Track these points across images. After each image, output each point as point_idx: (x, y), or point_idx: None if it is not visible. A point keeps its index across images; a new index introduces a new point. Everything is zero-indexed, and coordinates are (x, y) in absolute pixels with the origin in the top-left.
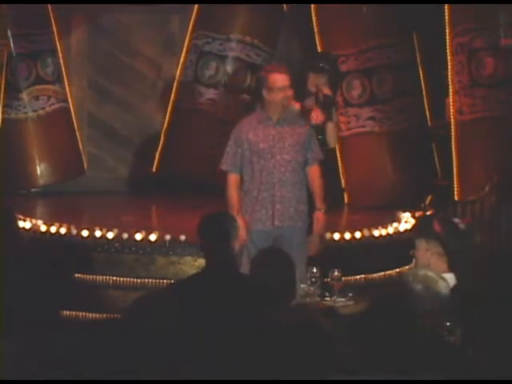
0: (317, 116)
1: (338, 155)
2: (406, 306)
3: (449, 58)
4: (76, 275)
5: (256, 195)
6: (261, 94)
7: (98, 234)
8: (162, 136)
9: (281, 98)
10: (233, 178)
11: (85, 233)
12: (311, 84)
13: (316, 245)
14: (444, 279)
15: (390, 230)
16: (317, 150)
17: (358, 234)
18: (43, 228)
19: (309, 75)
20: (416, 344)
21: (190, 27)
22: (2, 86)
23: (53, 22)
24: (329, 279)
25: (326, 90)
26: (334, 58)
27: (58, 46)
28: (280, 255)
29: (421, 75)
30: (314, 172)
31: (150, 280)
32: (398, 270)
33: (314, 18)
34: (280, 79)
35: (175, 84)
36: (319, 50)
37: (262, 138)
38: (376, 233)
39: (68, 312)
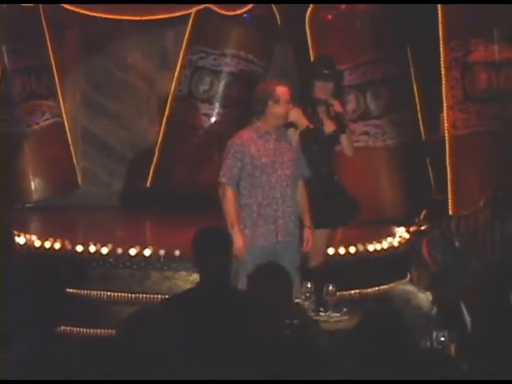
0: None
1: None
2: (391, 322)
3: (443, 72)
4: (70, 290)
5: (257, 210)
6: (261, 107)
7: (92, 249)
8: (157, 151)
9: (285, 111)
10: (232, 192)
11: (79, 248)
12: (319, 91)
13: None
14: (424, 293)
15: (385, 244)
16: (305, 166)
17: (352, 249)
18: (37, 243)
19: (315, 83)
20: (406, 357)
21: (185, 42)
22: None
23: (47, 37)
24: (323, 294)
25: (338, 107)
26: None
27: (53, 61)
28: (280, 270)
29: (415, 90)
30: (302, 188)
31: (145, 295)
32: (392, 284)
33: (308, 33)
34: (286, 92)
35: (169, 99)
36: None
37: (264, 152)
38: (371, 247)
39: (63, 327)
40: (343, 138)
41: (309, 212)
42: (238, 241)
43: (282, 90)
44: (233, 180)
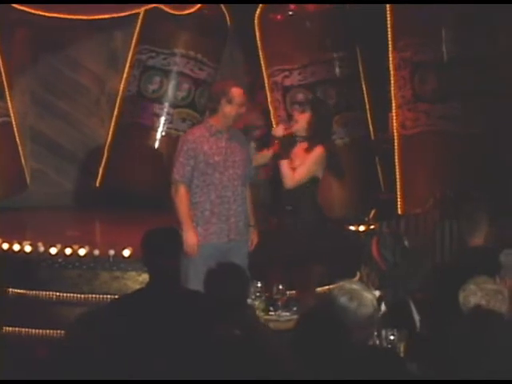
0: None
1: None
2: (333, 320)
3: (392, 72)
4: (18, 291)
5: (210, 208)
6: (213, 105)
7: (41, 249)
8: (106, 151)
9: (237, 112)
10: (184, 190)
11: (27, 248)
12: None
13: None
14: (370, 292)
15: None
16: (252, 167)
17: None
18: None
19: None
20: (347, 356)
21: (134, 42)
22: None
23: None
24: (273, 293)
25: (280, 130)
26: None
27: (0, 61)
28: (236, 269)
29: (364, 89)
30: (248, 189)
31: (94, 295)
32: (340, 283)
33: (257, 33)
34: (240, 94)
35: (119, 99)
36: (263, 65)
37: (216, 150)
38: None
39: (10, 328)
40: (283, 163)
41: (253, 211)
42: (191, 238)
43: (236, 92)
44: (186, 178)
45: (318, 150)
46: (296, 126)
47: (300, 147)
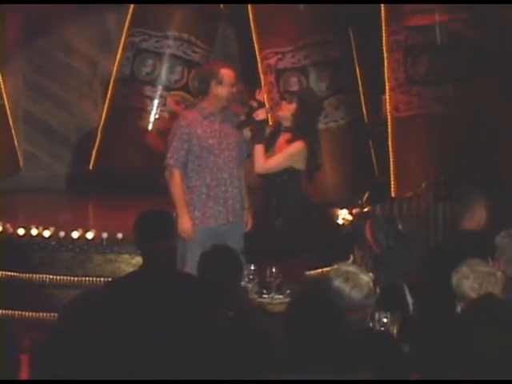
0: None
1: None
2: (328, 301)
3: (385, 55)
4: (11, 274)
5: (206, 191)
6: (203, 87)
7: (34, 232)
8: (99, 133)
9: (228, 93)
10: (179, 174)
11: (21, 231)
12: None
13: None
14: (366, 274)
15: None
16: (246, 147)
17: None
18: None
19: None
20: (341, 339)
21: (127, 24)
22: None
23: None
24: (267, 276)
25: (262, 114)
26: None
27: None
28: (230, 252)
29: (357, 72)
30: (243, 170)
31: (87, 278)
32: (335, 266)
33: (250, 16)
34: (230, 74)
35: (112, 81)
36: (257, 47)
37: (210, 133)
38: None
39: (4, 311)
40: (256, 149)
41: (247, 193)
42: (186, 223)
43: (226, 72)
44: (180, 162)
45: (297, 144)
46: (281, 114)
47: (283, 137)
